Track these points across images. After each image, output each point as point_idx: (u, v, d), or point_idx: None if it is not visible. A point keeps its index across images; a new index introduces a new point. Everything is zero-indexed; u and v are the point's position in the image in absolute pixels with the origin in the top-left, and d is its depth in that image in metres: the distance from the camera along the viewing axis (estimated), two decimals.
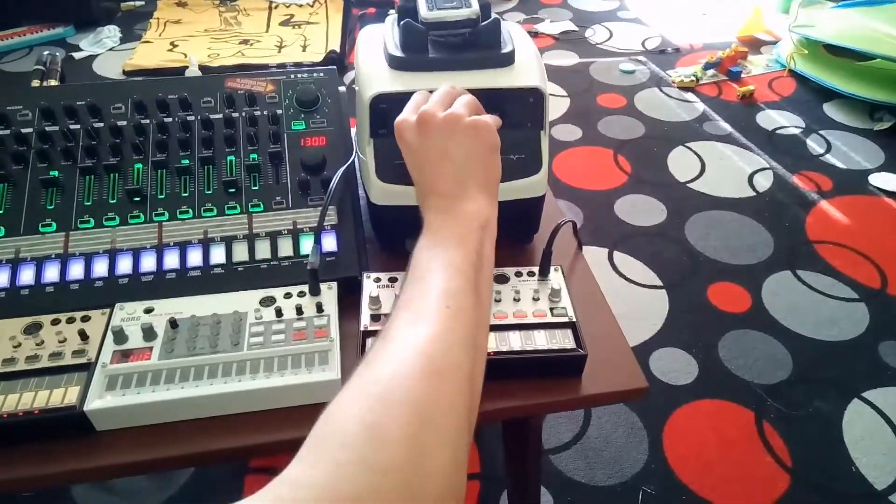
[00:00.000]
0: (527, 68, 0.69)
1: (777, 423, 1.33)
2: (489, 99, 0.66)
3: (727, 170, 2.04)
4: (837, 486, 1.22)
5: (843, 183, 1.98)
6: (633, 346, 1.45)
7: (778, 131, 2.22)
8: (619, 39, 2.79)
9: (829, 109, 2.33)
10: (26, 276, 0.64)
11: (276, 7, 2.99)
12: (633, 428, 1.32)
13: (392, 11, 0.75)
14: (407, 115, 0.58)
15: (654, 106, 2.34)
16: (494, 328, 0.62)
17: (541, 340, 0.61)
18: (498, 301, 0.64)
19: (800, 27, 2.55)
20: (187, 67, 2.44)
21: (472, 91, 0.65)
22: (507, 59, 0.69)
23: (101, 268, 0.65)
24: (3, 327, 0.60)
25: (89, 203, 0.68)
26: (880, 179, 1.99)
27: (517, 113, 0.68)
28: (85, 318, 0.61)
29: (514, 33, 0.73)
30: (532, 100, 0.68)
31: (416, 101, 0.59)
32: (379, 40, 0.72)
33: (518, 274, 0.67)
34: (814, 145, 2.15)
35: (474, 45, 0.68)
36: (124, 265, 0.65)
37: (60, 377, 0.57)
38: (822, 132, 2.21)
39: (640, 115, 2.29)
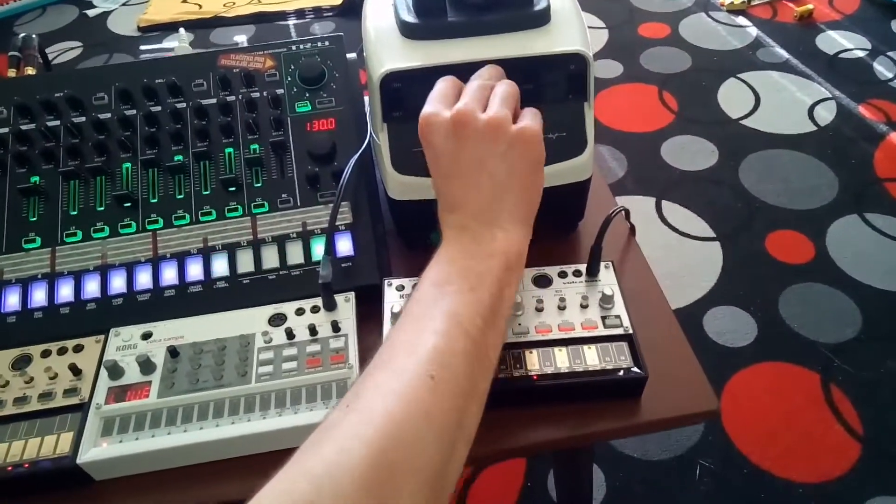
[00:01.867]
0: (566, 27, 0.58)
1: (846, 387, 1.23)
2: (522, 69, 0.56)
3: (784, 103, 1.86)
4: None
5: None
6: (685, 305, 1.37)
7: (841, 55, 2.02)
8: None
9: None
10: (12, 300, 0.58)
11: None
12: None
13: None
14: (437, 108, 0.46)
15: (702, 34, 2.15)
16: (538, 344, 0.53)
17: (592, 358, 0.52)
18: (540, 310, 0.55)
19: None
20: (204, 18, 2.34)
21: (502, 61, 0.55)
22: (542, 18, 0.57)
23: (92, 287, 0.58)
24: None
25: (75, 212, 0.61)
26: None
27: (557, 83, 0.57)
28: (77, 348, 0.55)
29: None
30: (574, 67, 0.57)
31: (444, 91, 0.48)
32: (390, 2, 0.61)
33: (562, 274, 0.58)
34: (881, 69, 1.95)
35: (501, 2, 0.57)
36: (118, 283, 0.58)
37: (52, 420, 0.51)
38: (890, 53, 2.00)
39: (687, 45, 2.11)
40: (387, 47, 0.57)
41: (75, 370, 0.53)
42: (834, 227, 1.51)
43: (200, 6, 2.46)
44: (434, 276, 0.42)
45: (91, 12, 2.54)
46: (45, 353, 0.55)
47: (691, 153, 1.73)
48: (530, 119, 0.47)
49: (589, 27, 1.91)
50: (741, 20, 2.20)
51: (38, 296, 0.58)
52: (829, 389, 1.23)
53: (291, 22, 2.40)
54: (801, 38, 2.10)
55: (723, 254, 1.48)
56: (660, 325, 0.58)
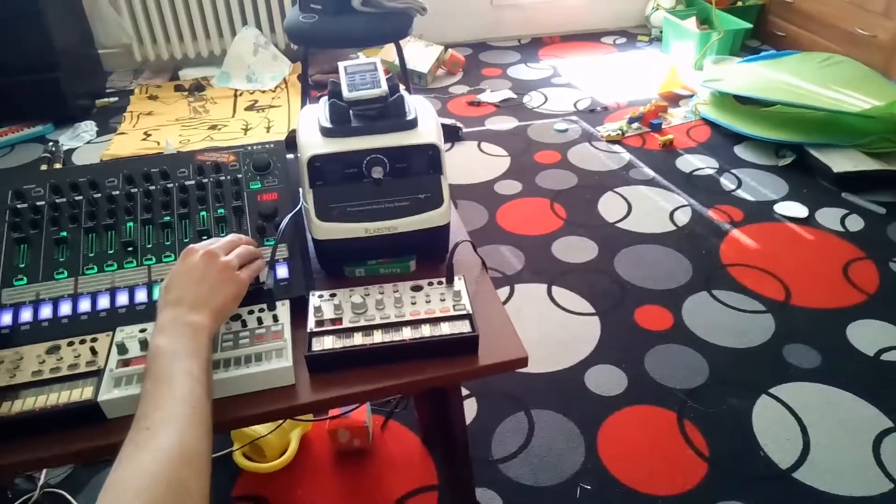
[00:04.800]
0: (426, 130, 0.91)
1: (696, 421, 1.51)
2: (400, 154, 0.88)
3: (651, 209, 2.29)
4: (748, 468, 1.41)
5: (752, 213, 2.24)
6: (570, 366, 1.67)
7: (695, 173, 2.49)
8: (554, 102, 3.10)
9: (740, 151, 2.62)
10: (45, 312, 0.82)
11: (240, 94, 3.26)
12: (572, 435, 1.49)
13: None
14: (200, 247, 0.79)
15: (586, 158, 2.61)
16: (411, 323, 0.81)
17: (445, 328, 0.80)
18: (414, 303, 0.84)
19: (710, 81, 2.88)
20: (161, 153, 2.66)
21: (384, 149, 0.87)
22: (412, 124, 0.90)
23: (104, 302, 0.84)
24: (30, 350, 0.78)
25: (92, 254, 0.87)
26: (784, 208, 2.25)
27: (421, 163, 0.89)
28: (94, 340, 0.80)
29: (417, 105, 0.95)
30: (431, 153, 0.89)
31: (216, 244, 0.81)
32: (315, 116, 0.94)
33: (430, 283, 0.87)
34: (726, 182, 2.42)
35: (385, 114, 0.90)
36: (122, 299, 0.84)
37: (77, 382, 0.75)
38: (733, 171, 2.49)
39: (573, 167, 2.56)
40: (312, 142, 0.89)
41: (93, 351, 0.78)
42: (688, 301, 1.86)
43: (158, 143, 2.81)
44: (165, 349, 0.68)
45: None
46: (70, 343, 0.79)
47: (576, 249, 2.10)
48: (243, 273, 0.80)
49: (494, 155, 2.41)
50: (617, 148, 2.68)
51: (65, 308, 0.83)
52: (683, 424, 1.51)
53: None
54: (665, 161, 2.57)
55: (600, 325, 1.80)
56: (494, 315, 0.86)
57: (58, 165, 1.07)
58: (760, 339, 1.73)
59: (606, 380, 1.63)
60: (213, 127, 2.95)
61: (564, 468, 1.42)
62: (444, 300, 0.84)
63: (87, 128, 2.96)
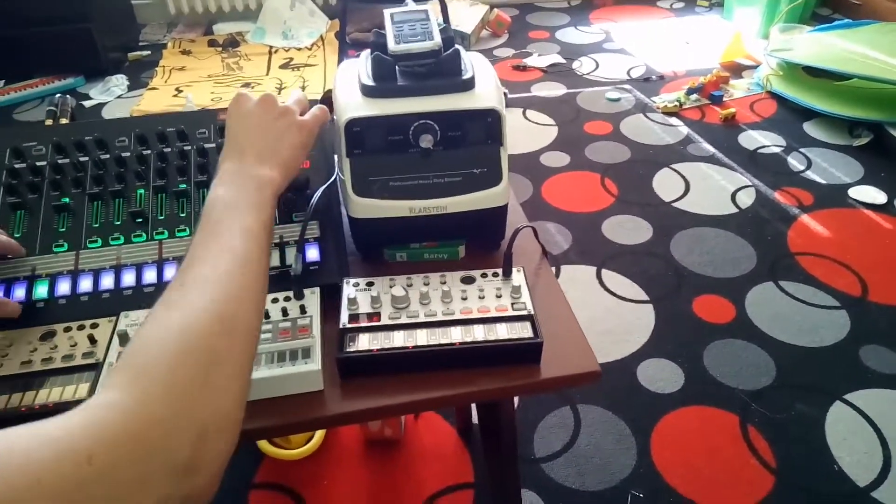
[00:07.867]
0: (485, 92, 0.77)
1: (761, 427, 1.37)
2: (453, 120, 0.74)
3: (710, 189, 2.11)
4: (821, 484, 1.26)
5: (824, 197, 2.05)
6: (620, 357, 1.52)
7: (759, 150, 2.30)
8: (605, 69, 2.90)
9: (810, 128, 2.41)
10: (41, 290, 0.71)
11: (276, 52, 3.12)
12: (622, 435, 1.37)
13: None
14: (250, 94, 0.70)
15: (640, 131, 2.43)
16: (461, 322, 0.68)
17: (502, 331, 0.67)
18: (464, 299, 0.71)
19: (778, 51, 2.65)
20: (192, 110, 2.56)
21: (437, 114, 0.73)
22: (468, 85, 0.76)
23: (107, 281, 0.72)
24: (22, 335, 0.67)
25: (97, 225, 0.76)
26: (860, 192, 2.05)
27: (478, 131, 0.76)
28: (94, 326, 0.68)
29: (475, 62, 0.81)
30: (490, 119, 0.75)
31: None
32: (355, 72, 0.80)
33: (484, 275, 0.74)
34: (794, 163, 2.23)
35: (438, 72, 0.76)
36: (128, 278, 0.72)
37: (72, 376, 0.64)
38: (802, 150, 2.29)
39: (626, 140, 2.38)
40: (351, 102, 0.75)
41: (92, 339, 0.66)
42: (752, 292, 1.70)
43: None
44: (223, 200, 0.59)
45: (87, 103, 2.76)
46: (67, 329, 0.68)
47: (628, 230, 1.94)
48: (308, 116, 0.72)
49: (539, 124, 2.21)
50: (674, 120, 2.49)
51: (63, 287, 0.72)
52: (747, 429, 1.37)
53: None
54: (726, 136, 2.38)
55: (655, 314, 1.65)
56: (559, 314, 0.73)
57: (64, 121, 0.94)
58: (834, 338, 1.56)
59: (661, 375, 1.49)
60: (247, 85, 2.83)
61: (614, 472, 1.30)
62: (500, 296, 0.71)
63: (118, 82, 2.87)
